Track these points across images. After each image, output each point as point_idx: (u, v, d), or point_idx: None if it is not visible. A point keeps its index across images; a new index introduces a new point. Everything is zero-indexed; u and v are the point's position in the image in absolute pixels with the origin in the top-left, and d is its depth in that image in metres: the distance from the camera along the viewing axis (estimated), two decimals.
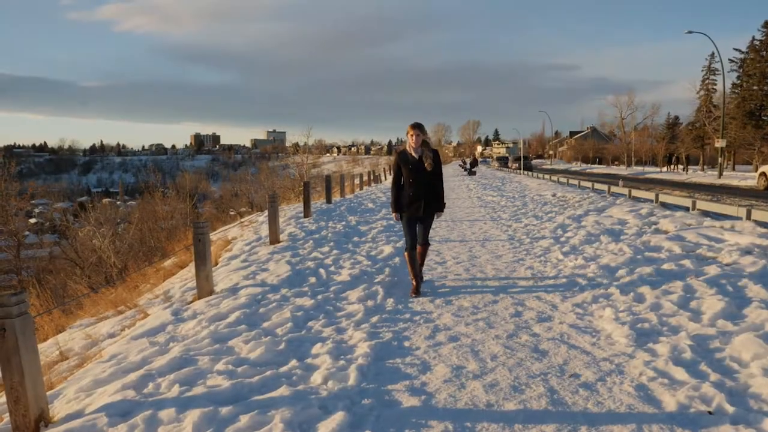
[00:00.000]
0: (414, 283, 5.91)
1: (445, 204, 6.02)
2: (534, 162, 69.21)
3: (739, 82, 47.38)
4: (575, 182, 23.47)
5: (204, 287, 5.92)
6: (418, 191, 5.76)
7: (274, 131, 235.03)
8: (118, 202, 52.43)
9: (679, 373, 3.60)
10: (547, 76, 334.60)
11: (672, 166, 48.25)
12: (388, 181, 32.90)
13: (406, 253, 5.96)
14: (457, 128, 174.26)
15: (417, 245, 5.96)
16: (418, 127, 5.78)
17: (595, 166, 69.49)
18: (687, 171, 43.34)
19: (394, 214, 5.97)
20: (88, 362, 4.49)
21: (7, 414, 3.10)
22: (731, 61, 47.60)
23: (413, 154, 5.80)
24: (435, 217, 5.99)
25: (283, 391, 3.41)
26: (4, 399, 3.20)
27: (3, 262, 25.53)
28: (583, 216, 11.79)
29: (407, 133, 5.81)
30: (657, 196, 14.03)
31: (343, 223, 11.37)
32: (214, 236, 10.87)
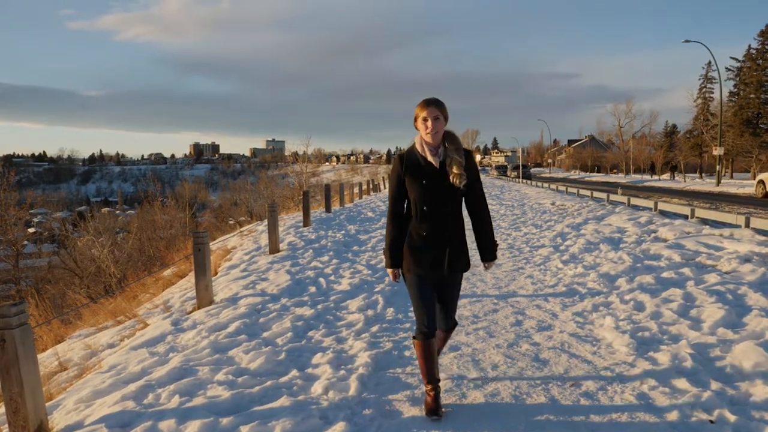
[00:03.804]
0: (427, 389, 3.36)
1: (497, 244, 3.44)
2: (532, 170, 69.35)
3: (736, 90, 47.63)
4: (574, 191, 23.50)
5: (204, 297, 5.91)
6: (438, 228, 3.17)
7: (273, 140, 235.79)
8: (117, 212, 52.35)
9: (680, 382, 3.60)
10: (547, 85, 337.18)
11: (669, 174, 48.38)
12: (387, 189, 32.71)
13: (414, 341, 3.34)
14: None
15: (436, 330, 3.36)
16: (436, 105, 3.13)
17: (594, 174, 69.60)
18: (679, 178, 43.43)
19: (389, 270, 3.30)
20: (87, 373, 4.48)
21: (7, 425, 3.09)
22: (728, 69, 47.91)
23: (428, 156, 3.15)
24: (485, 268, 3.44)
25: (283, 401, 3.40)
26: (3, 410, 3.18)
27: (2, 272, 25.47)
28: (582, 224, 11.80)
29: (416, 119, 3.18)
30: (656, 204, 14.06)
31: (343, 232, 11.38)
32: (213, 246, 10.86)
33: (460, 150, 3.19)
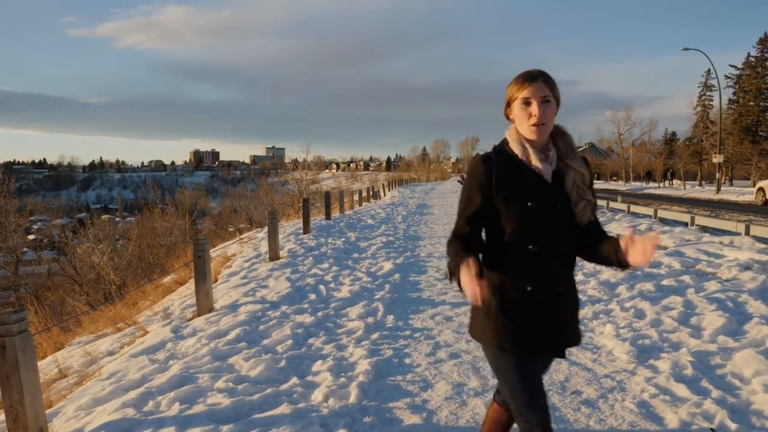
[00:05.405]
0: None
1: None
2: None
3: (735, 98, 47.81)
4: None
5: (204, 304, 5.91)
6: (549, 277, 2.00)
7: (273, 147, 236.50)
8: (117, 219, 52.41)
9: (681, 390, 3.60)
10: None
11: (667, 181, 48.61)
12: (387, 197, 32.59)
13: None
14: (456, 144, 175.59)
15: None
16: (544, 81, 1.94)
17: (594, 181, 69.58)
18: (678, 185, 43.54)
19: (467, 279, 1.77)
20: (87, 380, 4.47)
21: None
22: (727, 77, 48.11)
23: (534, 161, 1.97)
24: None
25: (283, 409, 3.39)
26: (3, 417, 3.18)
27: (1, 279, 25.49)
28: None
29: (509, 102, 2.02)
30: (656, 211, 14.08)
31: (343, 239, 11.38)
32: (213, 253, 10.86)
33: (578, 155, 2.04)
